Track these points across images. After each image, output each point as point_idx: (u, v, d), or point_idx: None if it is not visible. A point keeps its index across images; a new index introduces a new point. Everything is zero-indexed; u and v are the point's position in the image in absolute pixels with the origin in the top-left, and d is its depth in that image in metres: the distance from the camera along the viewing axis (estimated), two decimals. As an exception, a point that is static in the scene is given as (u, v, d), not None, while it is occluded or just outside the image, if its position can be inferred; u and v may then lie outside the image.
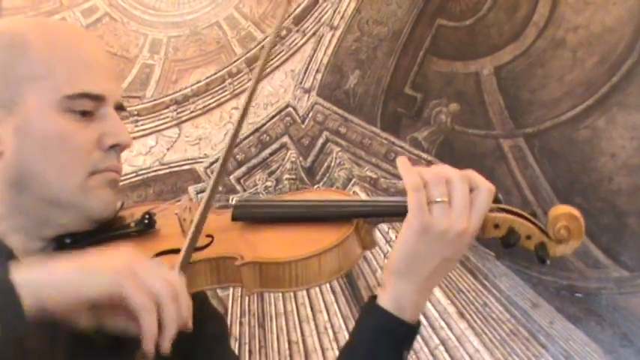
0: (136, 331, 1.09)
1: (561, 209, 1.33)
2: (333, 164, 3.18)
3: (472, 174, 1.29)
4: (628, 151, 2.77)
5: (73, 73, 1.30)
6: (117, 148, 1.33)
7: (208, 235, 1.32)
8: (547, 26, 2.94)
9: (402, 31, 3.14)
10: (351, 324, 3.04)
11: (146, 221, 1.36)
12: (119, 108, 1.36)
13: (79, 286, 1.07)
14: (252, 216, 1.37)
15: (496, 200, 1.34)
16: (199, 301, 1.31)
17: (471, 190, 1.28)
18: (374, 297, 1.32)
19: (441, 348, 2.87)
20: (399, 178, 1.30)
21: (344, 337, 3.03)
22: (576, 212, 1.32)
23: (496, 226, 1.32)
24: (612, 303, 2.74)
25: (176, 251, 1.31)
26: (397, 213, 1.33)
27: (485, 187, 1.28)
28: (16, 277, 1.07)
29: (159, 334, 1.08)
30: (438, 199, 1.26)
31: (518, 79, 2.97)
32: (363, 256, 1.37)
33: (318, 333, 3.06)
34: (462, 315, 2.89)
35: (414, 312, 1.30)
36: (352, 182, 3.11)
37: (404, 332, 1.30)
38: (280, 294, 3.02)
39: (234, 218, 1.36)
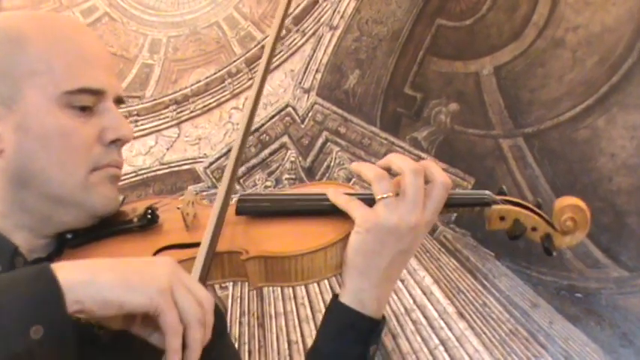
0: (160, 343, 1.10)
1: (567, 200, 1.33)
2: (332, 164, 3.17)
3: (429, 165, 1.30)
4: (628, 150, 2.77)
5: (73, 68, 1.29)
6: (118, 142, 1.33)
7: None
8: (547, 26, 2.94)
9: (402, 30, 3.13)
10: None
11: (149, 216, 1.35)
12: (118, 101, 1.35)
13: (121, 298, 1.07)
14: (256, 210, 1.36)
15: (501, 192, 1.34)
16: None
17: (427, 182, 1.29)
18: (336, 295, 1.32)
19: (441, 348, 2.86)
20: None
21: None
22: (582, 203, 1.32)
23: (502, 219, 1.32)
24: (612, 303, 2.74)
25: (179, 246, 1.31)
26: None
27: (440, 181, 1.29)
28: (60, 276, 1.05)
29: (182, 353, 1.09)
30: (384, 196, 1.27)
31: (517, 79, 2.97)
32: None
33: (318, 333, 3.06)
34: (461, 315, 2.88)
35: (376, 306, 1.30)
36: (352, 182, 3.11)
37: (367, 327, 1.30)
38: (280, 293, 3.02)
39: (238, 212, 1.35)
